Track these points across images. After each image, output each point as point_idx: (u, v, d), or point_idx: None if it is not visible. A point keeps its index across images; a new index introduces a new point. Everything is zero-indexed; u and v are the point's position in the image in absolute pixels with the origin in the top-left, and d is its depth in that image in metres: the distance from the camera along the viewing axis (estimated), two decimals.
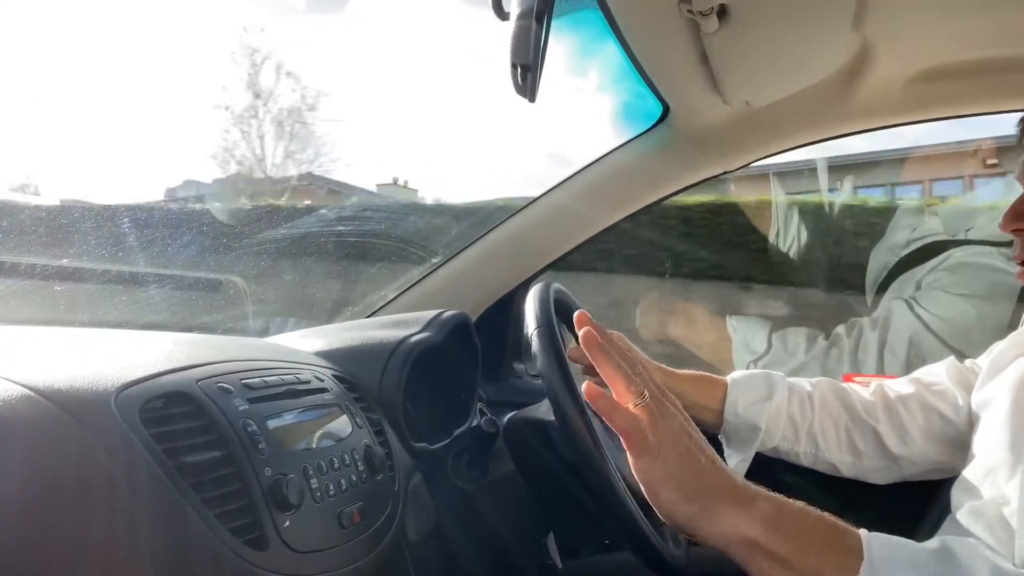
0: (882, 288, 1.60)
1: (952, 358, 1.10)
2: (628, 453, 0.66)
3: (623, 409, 0.66)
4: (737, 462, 1.08)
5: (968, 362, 1.09)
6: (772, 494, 0.66)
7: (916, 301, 1.45)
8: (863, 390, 1.10)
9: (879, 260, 1.66)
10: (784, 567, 0.61)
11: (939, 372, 1.09)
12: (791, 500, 0.66)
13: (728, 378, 1.10)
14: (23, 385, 0.60)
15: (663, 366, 1.10)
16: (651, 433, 0.65)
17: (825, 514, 0.65)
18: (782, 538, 0.61)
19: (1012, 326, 1.28)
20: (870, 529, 0.64)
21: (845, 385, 1.11)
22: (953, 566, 0.59)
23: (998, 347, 0.97)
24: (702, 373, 1.11)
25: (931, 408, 1.05)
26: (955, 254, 1.46)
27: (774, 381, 1.08)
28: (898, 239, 1.59)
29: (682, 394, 1.08)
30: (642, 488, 0.66)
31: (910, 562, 0.60)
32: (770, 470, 1.06)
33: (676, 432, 0.65)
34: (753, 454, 1.07)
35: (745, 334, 1.57)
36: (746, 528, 0.62)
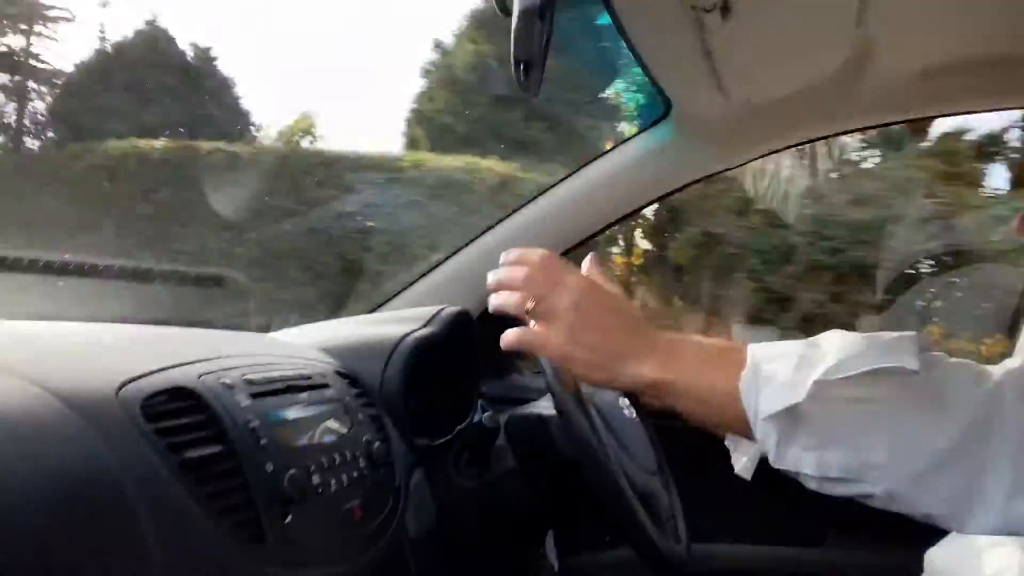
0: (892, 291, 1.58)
1: None
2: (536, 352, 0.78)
3: (516, 331, 0.76)
4: (743, 463, 1.07)
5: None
6: (672, 336, 0.75)
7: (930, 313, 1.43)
8: None
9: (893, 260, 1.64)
10: (687, 394, 0.71)
11: None
12: (686, 336, 0.76)
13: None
14: (26, 380, 0.61)
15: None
16: (551, 335, 0.74)
17: (716, 341, 0.75)
18: (678, 371, 0.71)
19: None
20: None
21: None
22: (814, 346, 0.67)
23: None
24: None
25: None
26: (971, 271, 1.43)
27: None
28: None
29: None
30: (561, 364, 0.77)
31: (782, 352, 0.68)
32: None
33: (573, 325, 0.74)
34: (759, 455, 1.07)
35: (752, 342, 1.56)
36: (648, 372, 0.71)
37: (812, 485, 0.67)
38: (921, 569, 0.98)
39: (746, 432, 0.68)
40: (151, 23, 7.45)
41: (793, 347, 0.68)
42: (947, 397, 0.63)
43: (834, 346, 0.66)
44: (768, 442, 0.67)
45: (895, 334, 0.65)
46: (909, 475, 0.63)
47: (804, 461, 0.66)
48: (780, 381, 0.65)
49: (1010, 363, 0.67)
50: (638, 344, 0.74)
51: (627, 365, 0.73)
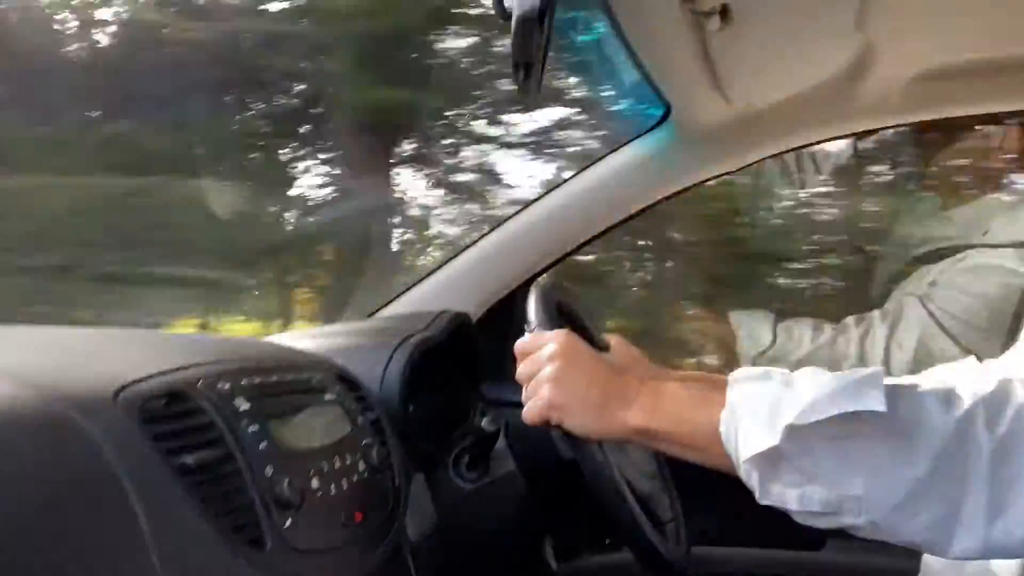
0: (892, 281, 1.57)
1: (972, 358, 1.09)
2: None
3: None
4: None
5: (985, 362, 1.07)
6: (655, 383, 0.78)
7: (929, 298, 1.43)
8: None
9: (890, 253, 1.64)
10: (670, 439, 0.74)
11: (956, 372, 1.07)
12: (670, 382, 0.79)
13: (729, 377, 1.10)
14: (24, 383, 0.60)
15: (662, 368, 1.10)
16: (542, 390, 0.78)
17: (698, 384, 0.78)
18: (662, 417, 0.74)
19: (1014, 328, 1.27)
20: None
21: None
22: (789, 386, 0.69)
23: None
24: (701, 374, 1.11)
25: None
26: (972, 255, 1.43)
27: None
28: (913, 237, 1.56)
29: None
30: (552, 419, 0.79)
31: (759, 392, 0.70)
32: None
33: (559, 375, 0.78)
34: None
35: (749, 327, 1.55)
36: (632, 420, 0.75)
37: (799, 519, 0.69)
38: (918, 572, 0.98)
39: (733, 471, 0.70)
40: None
41: (770, 387, 0.71)
42: (917, 427, 0.65)
43: (807, 387, 0.68)
44: (752, 481, 0.69)
45: (861, 372, 0.67)
46: (888, 506, 0.65)
47: (787, 497, 0.68)
48: (757, 424, 0.68)
49: (996, 363, 0.68)
50: (622, 391, 0.77)
51: (613, 414, 0.76)
